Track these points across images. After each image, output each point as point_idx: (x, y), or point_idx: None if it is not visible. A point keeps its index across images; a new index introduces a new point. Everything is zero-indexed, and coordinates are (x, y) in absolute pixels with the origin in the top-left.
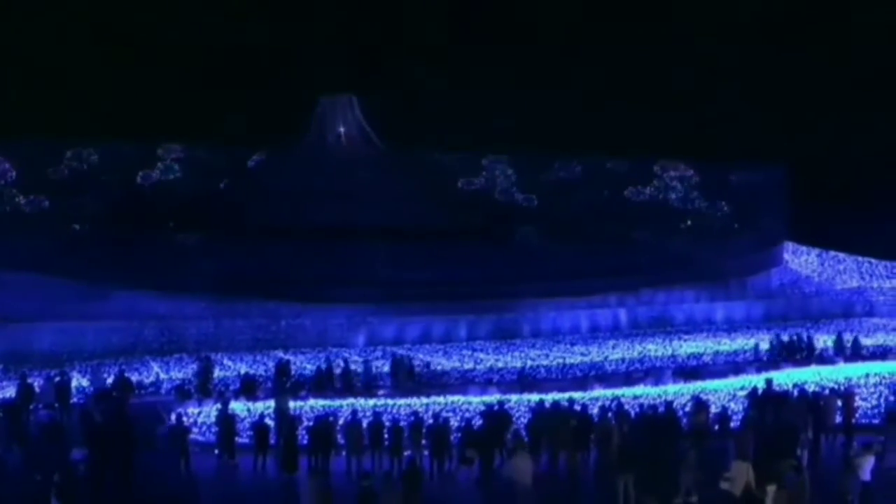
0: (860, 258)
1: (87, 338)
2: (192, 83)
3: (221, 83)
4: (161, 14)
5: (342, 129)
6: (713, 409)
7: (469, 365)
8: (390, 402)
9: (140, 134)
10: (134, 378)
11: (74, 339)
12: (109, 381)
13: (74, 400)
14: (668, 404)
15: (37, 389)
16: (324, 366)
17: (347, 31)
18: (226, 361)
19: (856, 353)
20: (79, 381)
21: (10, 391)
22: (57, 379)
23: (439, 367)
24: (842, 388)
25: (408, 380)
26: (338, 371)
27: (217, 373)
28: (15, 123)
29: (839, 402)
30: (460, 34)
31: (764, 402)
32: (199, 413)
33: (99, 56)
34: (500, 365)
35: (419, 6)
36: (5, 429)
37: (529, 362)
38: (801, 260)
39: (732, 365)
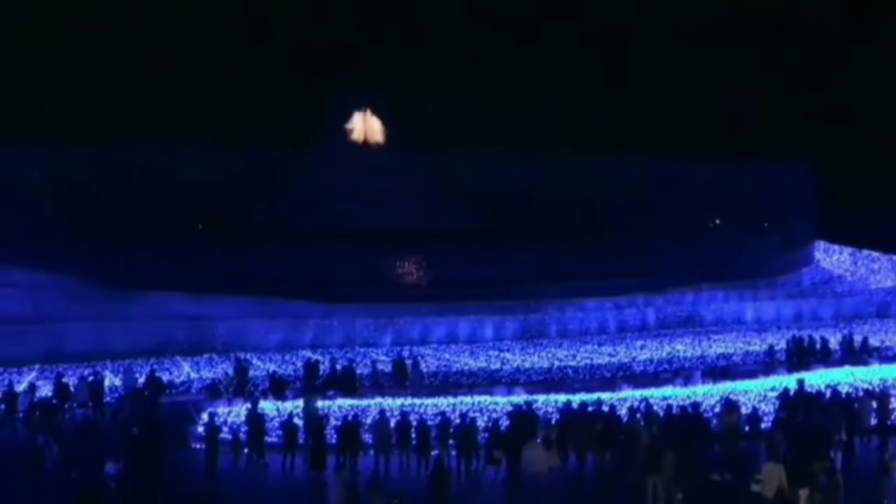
0: (895, 257)
1: (119, 338)
2: (218, 84)
3: (248, 84)
4: (184, 14)
5: (365, 129)
6: (743, 410)
7: (496, 365)
8: (417, 401)
9: (167, 134)
10: (164, 378)
11: (107, 339)
12: (141, 380)
13: (108, 399)
14: (698, 405)
15: (71, 389)
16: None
17: (366, 29)
18: (255, 361)
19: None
20: (111, 380)
21: (46, 390)
22: (90, 378)
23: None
24: (877, 389)
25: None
26: (366, 371)
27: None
28: (42, 123)
29: (874, 404)
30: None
31: (796, 404)
32: (230, 412)
33: (121, 56)
34: (526, 365)
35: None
36: (43, 427)
37: (557, 363)
38: (832, 259)
39: (763, 365)
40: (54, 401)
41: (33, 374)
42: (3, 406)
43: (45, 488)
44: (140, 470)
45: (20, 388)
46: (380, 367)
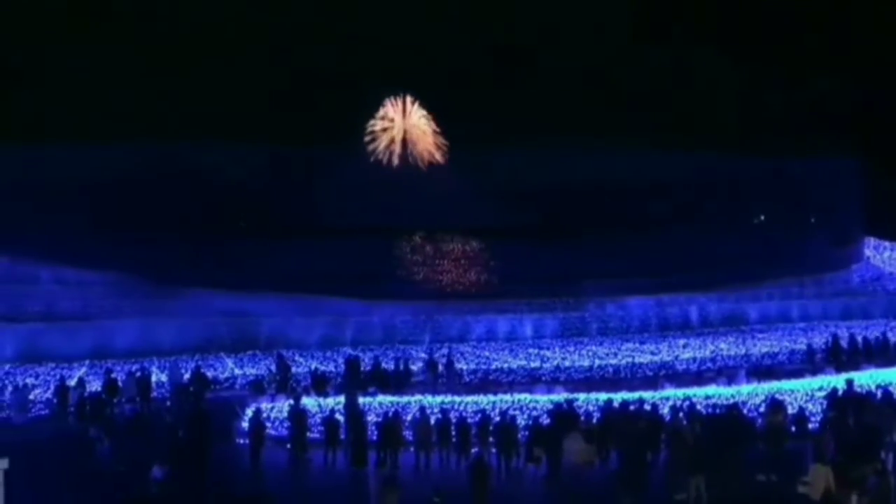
0: None
1: (165, 334)
2: (261, 84)
3: (291, 84)
4: (227, 17)
5: (406, 128)
6: (790, 410)
7: (536, 363)
8: (457, 399)
9: (211, 134)
10: (209, 374)
11: (153, 335)
12: (186, 376)
13: (155, 394)
14: (742, 404)
15: (120, 384)
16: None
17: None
18: (297, 358)
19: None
20: (158, 376)
21: (95, 385)
22: (138, 374)
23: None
24: None
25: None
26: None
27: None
28: (90, 126)
29: None
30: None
31: (844, 404)
32: (273, 408)
33: (164, 59)
34: (567, 364)
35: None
36: (94, 420)
37: (598, 361)
38: (883, 256)
39: (807, 364)
40: (103, 395)
41: (83, 370)
42: (55, 400)
43: (97, 479)
44: (186, 473)
45: (71, 382)
46: (414, 365)
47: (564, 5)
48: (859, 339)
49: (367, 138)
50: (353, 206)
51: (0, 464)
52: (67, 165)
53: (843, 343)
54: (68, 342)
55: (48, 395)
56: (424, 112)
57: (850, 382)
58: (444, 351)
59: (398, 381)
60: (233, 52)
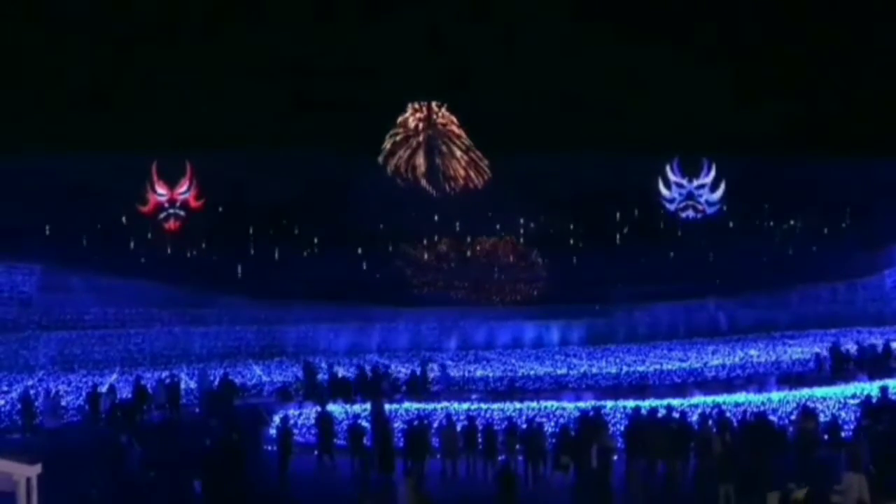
0: None
1: (194, 342)
2: (285, 95)
3: (316, 94)
4: (249, 23)
5: (433, 133)
6: (822, 418)
7: (562, 370)
8: (484, 406)
9: (237, 144)
10: (237, 381)
11: (182, 343)
12: (215, 383)
13: (184, 401)
14: (773, 412)
15: (150, 391)
16: (418, 370)
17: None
18: (323, 365)
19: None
20: (187, 383)
21: (126, 392)
22: (167, 381)
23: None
24: None
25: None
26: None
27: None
28: (111, 137)
29: None
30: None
31: (879, 411)
32: (300, 415)
33: (188, 68)
34: (594, 371)
35: (507, 8)
36: (125, 427)
37: (625, 368)
38: None
39: (843, 372)
40: (134, 402)
41: (114, 376)
42: (87, 406)
43: (128, 485)
44: (220, 485)
45: (102, 389)
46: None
47: None
48: (893, 345)
49: (386, 149)
50: (379, 214)
51: (32, 469)
52: (102, 175)
53: (878, 349)
54: (100, 350)
55: (80, 401)
56: (450, 117)
57: (884, 390)
58: (471, 358)
59: (420, 389)
60: (259, 60)
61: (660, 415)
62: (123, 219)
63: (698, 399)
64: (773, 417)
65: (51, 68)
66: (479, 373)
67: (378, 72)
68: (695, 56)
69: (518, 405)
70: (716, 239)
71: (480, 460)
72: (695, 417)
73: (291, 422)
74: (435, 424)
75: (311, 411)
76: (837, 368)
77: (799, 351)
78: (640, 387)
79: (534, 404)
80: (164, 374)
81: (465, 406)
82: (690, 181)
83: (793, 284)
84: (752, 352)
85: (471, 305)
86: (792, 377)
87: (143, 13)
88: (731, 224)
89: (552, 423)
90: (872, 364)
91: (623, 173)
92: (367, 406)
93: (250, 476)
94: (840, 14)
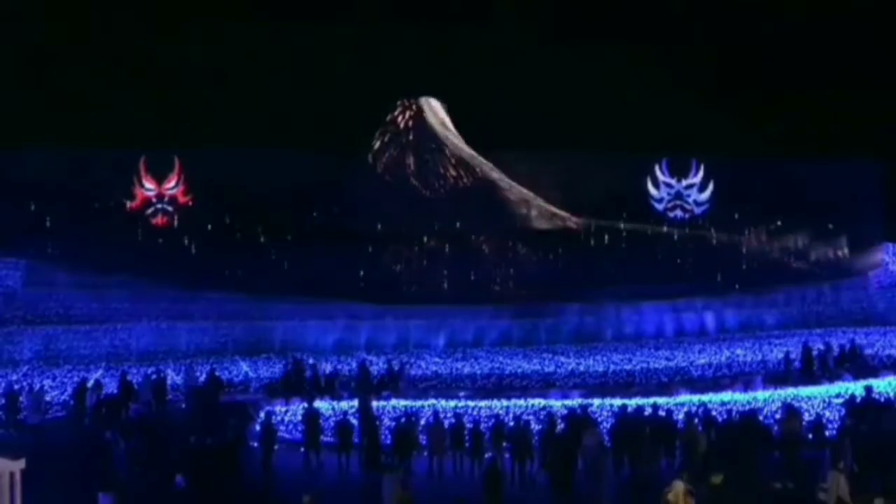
0: None
1: (181, 338)
2: (277, 89)
3: (308, 86)
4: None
5: (423, 131)
6: (806, 417)
7: (550, 368)
8: (471, 403)
9: (230, 140)
10: (224, 377)
11: (168, 339)
12: (201, 379)
13: (170, 397)
14: (759, 411)
15: (135, 387)
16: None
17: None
18: (310, 361)
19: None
20: (173, 378)
21: (111, 387)
22: (154, 377)
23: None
24: None
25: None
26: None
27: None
28: (110, 132)
29: None
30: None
31: (863, 411)
32: (286, 412)
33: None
34: (581, 369)
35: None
36: (110, 423)
37: (612, 366)
38: None
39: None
40: (119, 398)
41: (100, 372)
42: (73, 402)
43: (114, 481)
44: (207, 479)
45: (88, 385)
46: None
47: None
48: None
49: (374, 147)
50: (368, 211)
51: (16, 465)
52: (90, 170)
53: (846, 349)
54: (85, 345)
55: (65, 397)
56: (442, 116)
57: (868, 389)
58: (459, 355)
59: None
60: (253, 61)
61: (646, 413)
62: (110, 214)
63: (684, 397)
64: (758, 416)
65: (37, 62)
66: (466, 370)
67: (370, 69)
68: (683, 58)
69: (505, 403)
70: (703, 239)
71: (467, 458)
72: (681, 416)
73: (278, 418)
74: (422, 422)
75: (297, 408)
76: (806, 369)
77: (784, 351)
78: (626, 385)
79: (521, 402)
80: (151, 369)
81: (453, 403)
82: (679, 181)
83: (779, 285)
84: (739, 351)
85: (459, 303)
86: (778, 376)
87: (140, 7)
88: (717, 225)
89: (539, 421)
90: (840, 363)
91: (614, 173)
92: (355, 403)
93: (235, 472)
94: (826, 14)
